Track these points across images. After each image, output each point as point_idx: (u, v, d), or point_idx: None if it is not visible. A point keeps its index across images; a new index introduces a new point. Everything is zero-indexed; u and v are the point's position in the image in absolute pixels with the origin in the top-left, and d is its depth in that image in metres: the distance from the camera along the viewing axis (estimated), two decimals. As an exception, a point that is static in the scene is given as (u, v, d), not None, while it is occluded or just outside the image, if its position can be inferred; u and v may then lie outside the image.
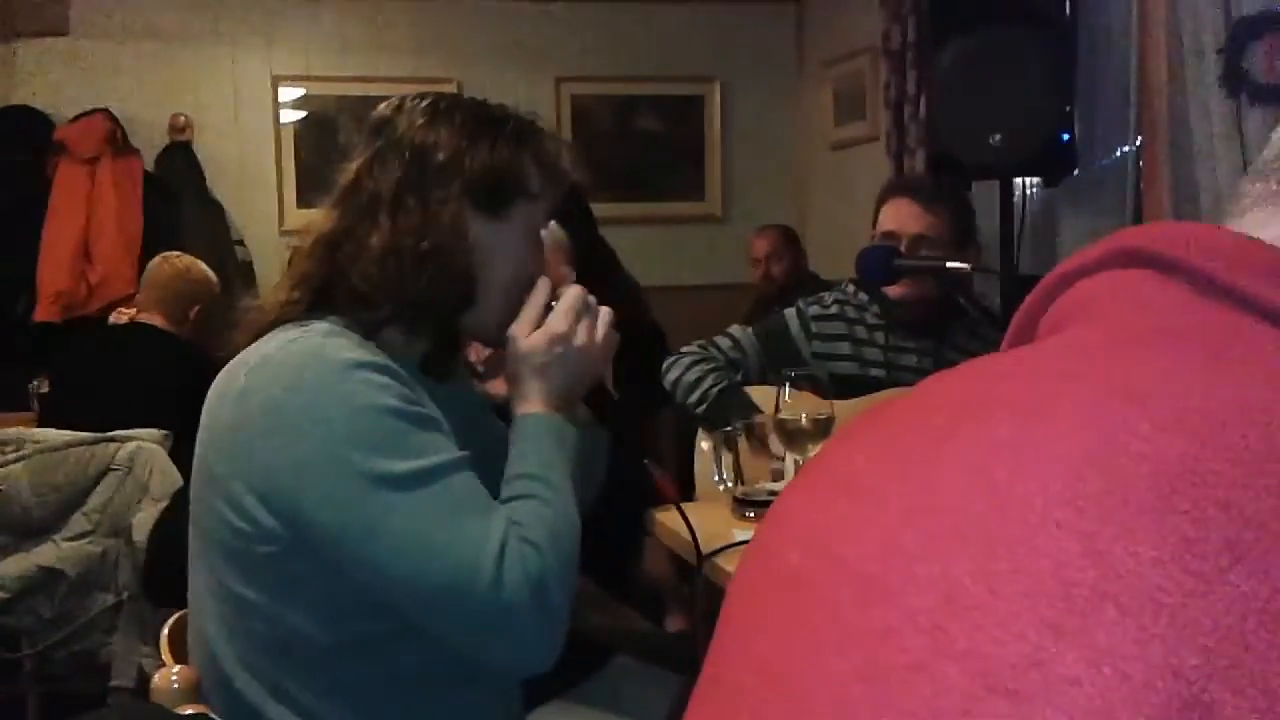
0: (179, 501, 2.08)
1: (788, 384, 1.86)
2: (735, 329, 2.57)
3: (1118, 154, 3.58)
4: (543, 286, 1.36)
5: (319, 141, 5.25)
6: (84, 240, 4.72)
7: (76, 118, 4.83)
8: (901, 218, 2.42)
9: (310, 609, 1.22)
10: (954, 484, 0.38)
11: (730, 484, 2.01)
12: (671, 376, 2.45)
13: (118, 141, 4.83)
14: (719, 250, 5.48)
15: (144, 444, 2.85)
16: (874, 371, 2.47)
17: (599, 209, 2.88)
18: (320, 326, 1.27)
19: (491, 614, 1.17)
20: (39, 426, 3.14)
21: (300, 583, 1.22)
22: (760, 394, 2.31)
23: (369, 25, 5.29)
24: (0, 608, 2.80)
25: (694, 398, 2.38)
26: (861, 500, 0.41)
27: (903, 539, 0.38)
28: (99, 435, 2.85)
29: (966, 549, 0.35)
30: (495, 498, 1.26)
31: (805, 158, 5.68)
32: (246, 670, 1.25)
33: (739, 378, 2.45)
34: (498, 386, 1.55)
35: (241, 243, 5.08)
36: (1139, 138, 3.45)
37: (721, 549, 1.71)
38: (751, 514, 1.92)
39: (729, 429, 2.12)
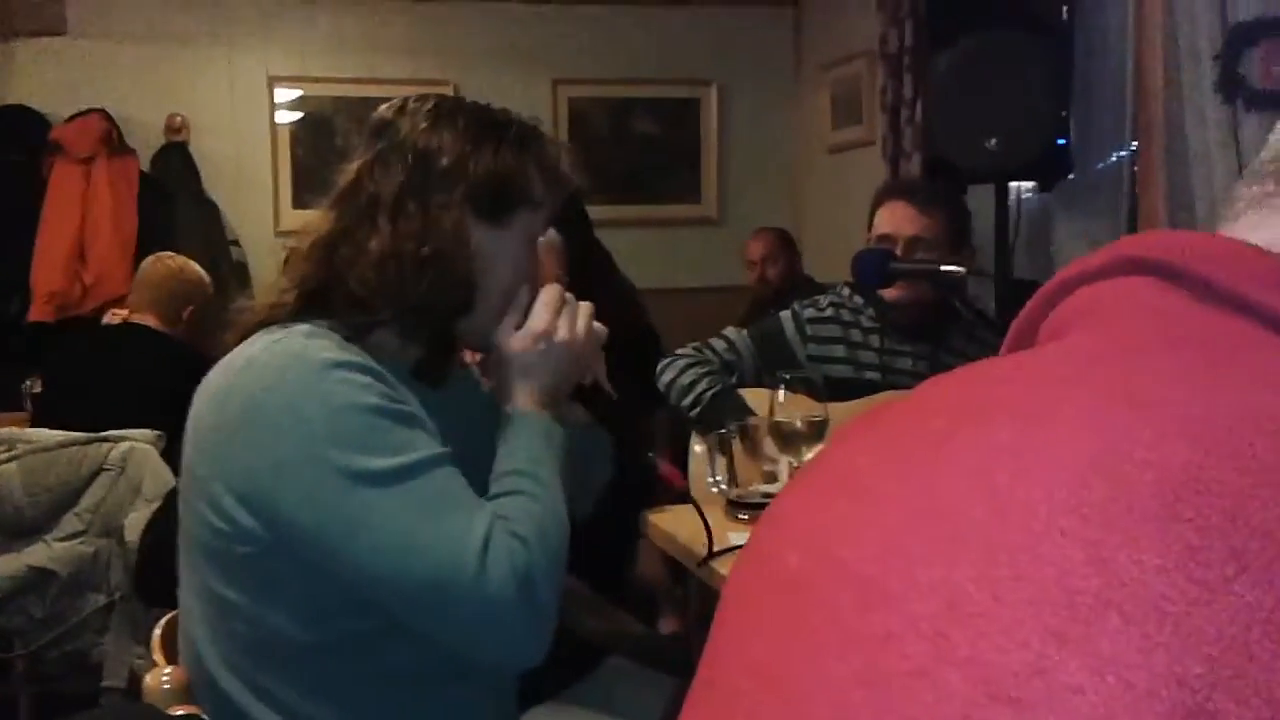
0: (171, 502, 2.07)
1: (782, 386, 1.86)
2: (730, 331, 2.57)
3: (1113, 159, 3.59)
4: (523, 290, 1.36)
5: (315, 142, 5.24)
6: (79, 240, 4.71)
7: (72, 117, 4.82)
8: (897, 220, 2.42)
9: (291, 609, 1.22)
10: (955, 488, 0.38)
11: (724, 486, 2.01)
12: (666, 379, 2.44)
13: (113, 141, 4.83)
14: (715, 253, 5.48)
15: (137, 444, 2.85)
16: (869, 374, 2.47)
17: (595, 211, 2.87)
18: (302, 328, 1.27)
19: (477, 609, 1.17)
20: (31, 426, 3.14)
21: (281, 583, 1.21)
22: (755, 396, 2.30)
23: (365, 26, 5.29)
24: (-9, 608, 2.80)
25: (688, 400, 2.38)
26: (861, 502, 0.41)
27: (903, 543, 0.37)
28: (91, 435, 2.85)
29: (968, 554, 0.35)
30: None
31: (802, 161, 5.68)
32: (230, 670, 1.25)
33: (734, 380, 2.45)
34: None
35: (237, 243, 5.07)
36: (1134, 143, 3.46)
37: (722, 552, 1.71)
38: (745, 516, 1.91)
39: (723, 431, 2.12)
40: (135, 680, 2.60)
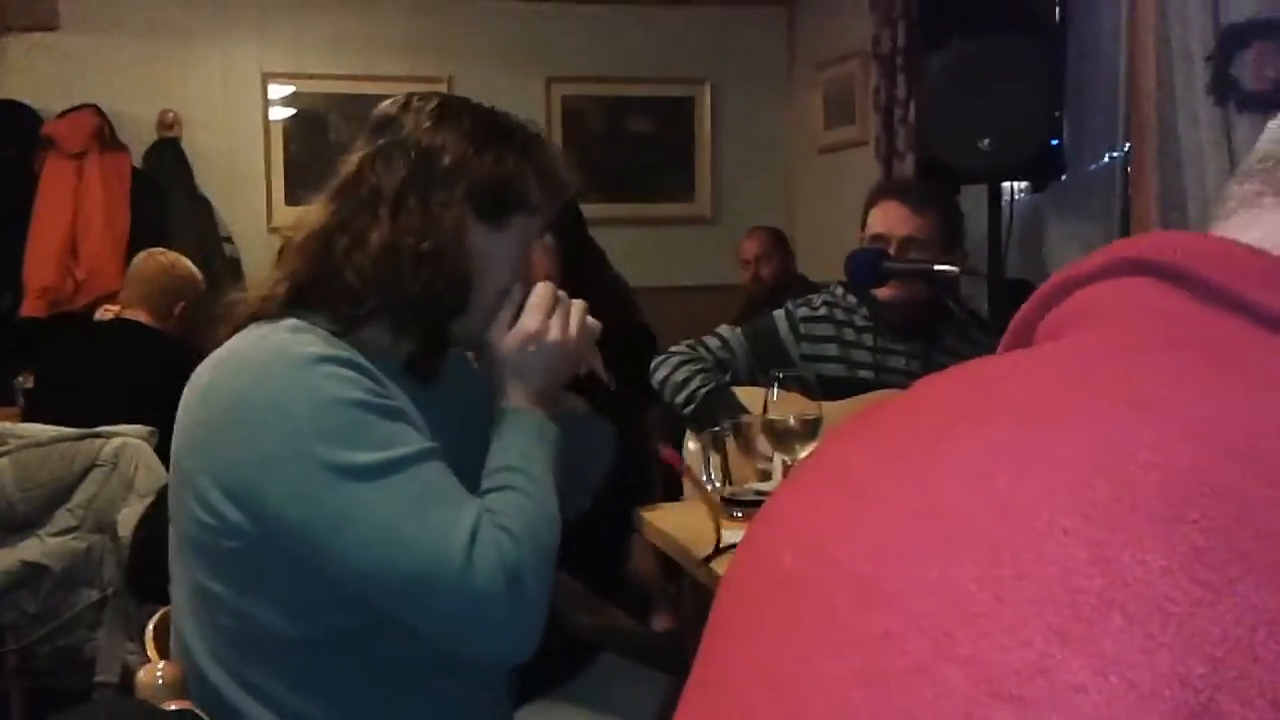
0: (164, 498, 2.07)
1: (776, 385, 1.86)
2: (724, 329, 2.58)
3: (1106, 160, 3.60)
4: (516, 289, 1.36)
5: (308, 139, 5.24)
6: (71, 236, 4.70)
7: (65, 113, 4.81)
8: (891, 220, 2.43)
9: (278, 603, 1.22)
10: (954, 487, 0.38)
11: (718, 484, 2.01)
12: (659, 376, 2.45)
13: (106, 137, 4.81)
14: (709, 251, 5.48)
15: (129, 440, 2.84)
16: (862, 373, 2.47)
17: (589, 210, 2.88)
18: (288, 323, 1.27)
19: (463, 604, 1.16)
20: (23, 422, 3.13)
21: (267, 577, 1.21)
22: (748, 395, 2.31)
23: (360, 23, 5.28)
24: (-16, 603, 2.79)
25: (681, 398, 2.38)
26: (857, 501, 0.41)
27: (901, 542, 0.37)
28: (84, 431, 2.85)
29: (969, 553, 0.35)
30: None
31: (795, 160, 5.69)
32: (218, 664, 1.25)
33: (727, 378, 2.45)
34: None
35: (229, 239, 5.06)
36: (1127, 144, 3.46)
37: (727, 549, 1.71)
38: (739, 514, 1.92)
39: (716, 429, 2.12)
40: (128, 675, 2.59)
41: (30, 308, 4.62)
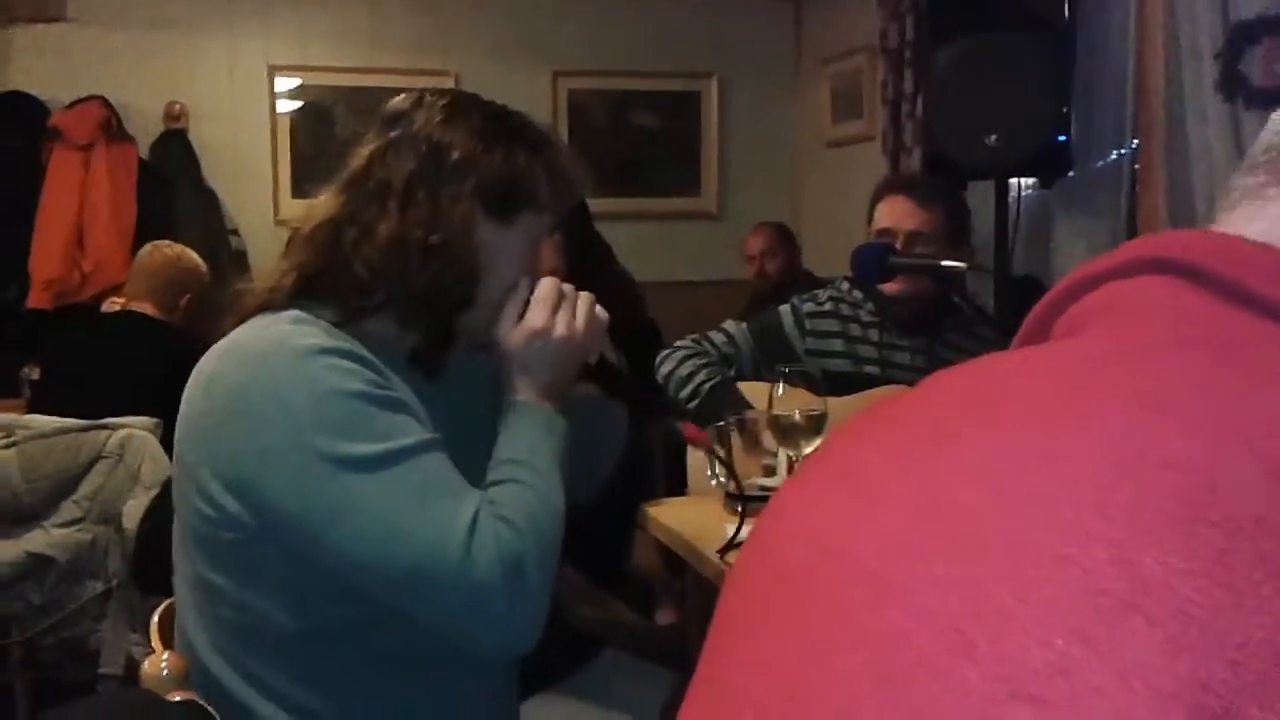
0: (169, 489, 2.07)
1: (781, 380, 1.86)
2: (730, 324, 2.57)
3: (1113, 156, 3.59)
4: (523, 284, 1.36)
5: (315, 132, 5.24)
6: (77, 227, 4.70)
7: (72, 104, 4.81)
8: (897, 215, 2.42)
9: (277, 595, 1.22)
10: (969, 485, 0.37)
11: (723, 479, 2.01)
12: (664, 370, 2.44)
13: (113, 128, 4.81)
14: (714, 246, 5.48)
15: (135, 432, 2.85)
16: (868, 368, 2.47)
17: (594, 204, 2.88)
18: (291, 314, 1.27)
19: (463, 594, 1.16)
20: (29, 413, 3.14)
21: (267, 569, 1.21)
22: (753, 390, 2.31)
23: (366, 16, 5.28)
24: (-11, 594, 2.80)
25: (686, 392, 2.38)
26: (869, 497, 0.40)
27: (916, 539, 0.37)
28: (90, 422, 2.85)
29: (988, 553, 0.35)
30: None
31: (802, 155, 5.68)
32: (220, 656, 1.25)
33: (732, 373, 2.45)
34: None
35: (236, 232, 5.07)
36: (1135, 140, 3.46)
37: (737, 545, 1.71)
38: (741, 510, 1.92)
39: (721, 424, 2.12)
40: (132, 667, 2.60)
41: (36, 299, 4.63)
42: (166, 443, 2.82)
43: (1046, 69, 3.24)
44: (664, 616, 2.73)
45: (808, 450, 1.79)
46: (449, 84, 5.14)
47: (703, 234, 5.62)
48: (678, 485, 2.39)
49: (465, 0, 5.38)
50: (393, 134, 1.33)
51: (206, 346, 1.30)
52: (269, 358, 1.21)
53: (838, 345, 2.49)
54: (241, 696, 1.24)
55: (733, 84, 5.68)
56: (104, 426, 2.85)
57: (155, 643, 1.41)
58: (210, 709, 1.23)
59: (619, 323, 1.46)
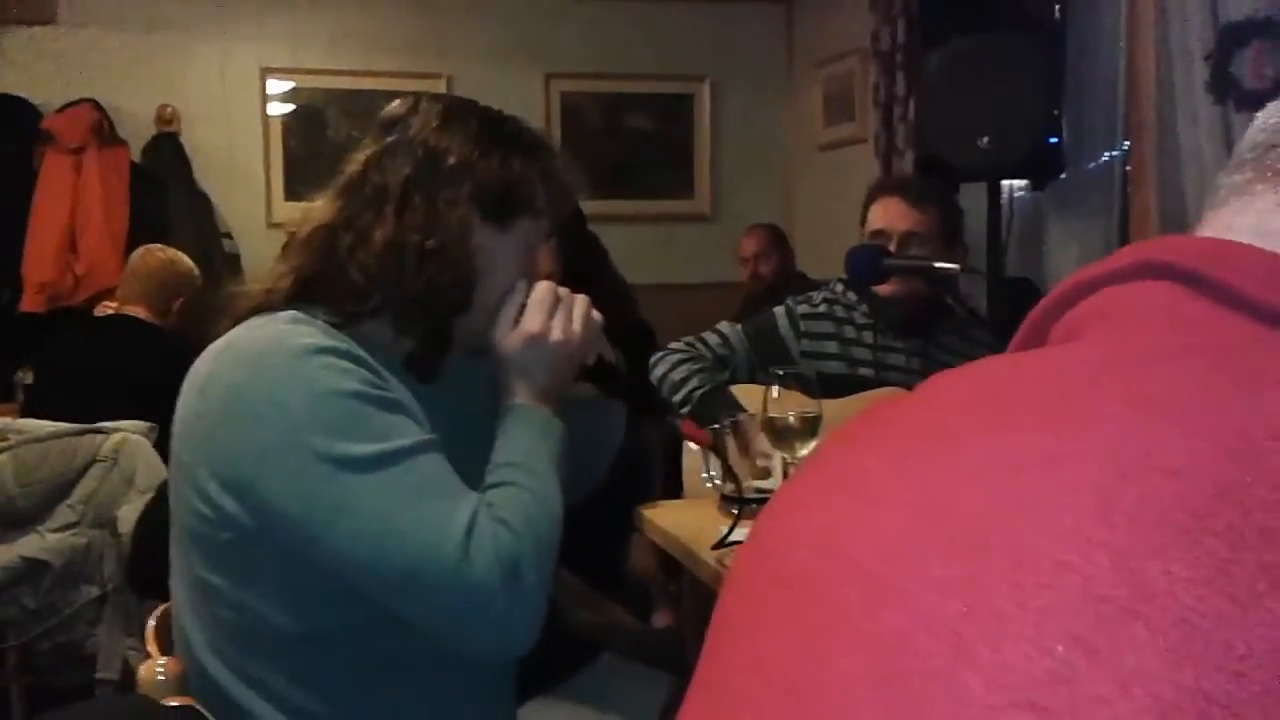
0: (163, 493, 2.07)
1: (776, 382, 1.86)
2: (724, 326, 2.58)
3: (1105, 158, 3.60)
4: (519, 287, 1.36)
5: (307, 134, 5.23)
6: (70, 231, 4.69)
7: (63, 107, 4.80)
8: (891, 216, 2.43)
9: (276, 596, 1.22)
10: (970, 489, 0.37)
11: (718, 481, 2.01)
12: (658, 373, 2.45)
13: (104, 132, 4.80)
14: (708, 249, 5.48)
15: (129, 436, 2.84)
16: (862, 370, 2.47)
17: (588, 206, 2.88)
18: (287, 314, 1.27)
19: (460, 596, 1.16)
20: (23, 417, 3.13)
21: (265, 569, 1.21)
22: (748, 392, 2.31)
23: (359, 19, 5.27)
24: (-16, 598, 2.79)
25: (679, 395, 2.38)
26: (871, 500, 0.40)
27: (916, 541, 0.37)
28: (84, 426, 2.84)
29: (987, 557, 0.35)
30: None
31: (794, 158, 5.69)
32: (218, 657, 1.25)
33: (727, 375, 2.45)
34: None
35: (229, 235, 5.06)
36: (1126, 142, 3.47)
37: (733, 543, 1.71)
38: (738, 511, 1.92)
39: (717, 427, 2.12)
40: (128, 672, 2.60)
41: (29, 303, 4.61)
42: (160, 446, 2.81)
43: (1038, 71, 3.25)
44: (661, 619, 2.73)
45: (803, 452, 1.79)
46: (442, 87, 5.14)
47: (696, 236, 5.62)
48: (673, 488, 2.39)
49: (458, 3, 5.38)
50: (389, 139, 1.33)
51: (200, 349, 1.30)
52: (266, 357, 1.21)
53: (832, 347, 2.49)
54: (239, 698, 1.24)
55: (726, 87, 5.68)
56: (98, 430, 2.84)
57: (151, 647, 1.41)
58: (206, 715, 1.23)
59: (613, 325, 1.47)
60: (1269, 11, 2.87)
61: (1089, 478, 0.35)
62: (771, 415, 1.83)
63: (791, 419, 1.81)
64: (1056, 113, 3.35)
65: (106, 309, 3.44)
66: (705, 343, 2.52)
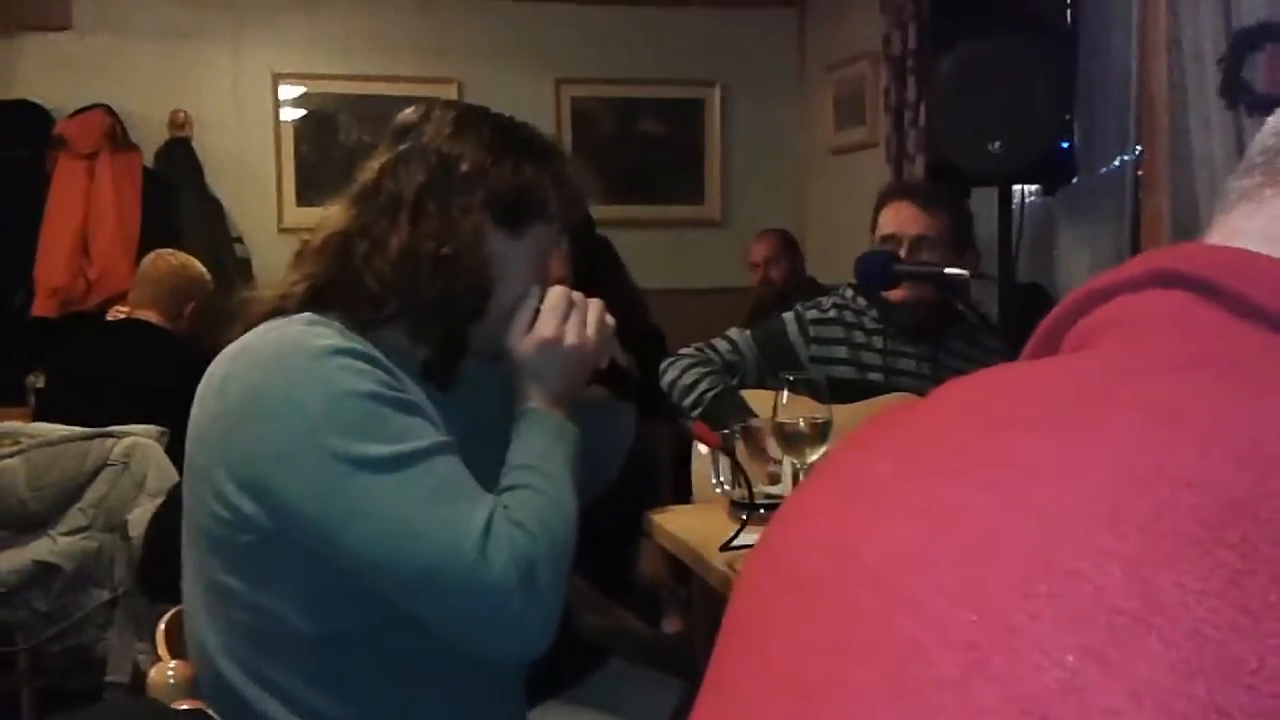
0: (175, 497, 2.07)
1: (785, 388, 1.86)
2: (733, 332, 2.58)
3: (1117, 163, 3.59)
4: (533, 293, 1.37)
5: (319, 139, 5.24)
6: (82, 235, 4.71)
7: (76, 113, 4.82)
8: (901, 220, 2.43)
9: (293, 598, 1.22)
10: (984, 497, 0.37)
11: (728, 487, 2.01)
12: (668, 378, 2.45)
13: (117, 137, 4.83)
14: (718, 254, 5.48)
15: (140, 440, 2.85)
16: (872, 376, 2.47)
17: (598, 211, 2.88)
18: (304, 316, 1.28)
19: (477, 596, 1.16)
20: (35, 421, 3.14)
21: (282, 571, 1.21)
22: (758, 398, 2.31)
23: (370, 24, 5.29)
24: (-5, 602, 2.80)
25: (689, 400, 2.38)
26: (885, 508, 0.40)
27: (928, 548, 0.37)
28: (96, 430, 2.85)
29: (1002, 567, 0.35)
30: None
31: (805, 162, 5.69)
32: (233, 660, 1.25)
33: (736, 381, 2.45)
34: None
35: (240, 240, 5.07)
36: (1138, 147, 3.46)
37: (739, 546, 1.71)
38: (746, 517, 1.91)
39: (726, 432, 2.12)
40: (138, 676, 2.60)
41: (42, 307, 4.63)
42: (171, 451, 2.82)
43: (1049, 75, 3.24)
44: (670, 624, 2.73)
45: (813, 458, 1.79)
46: (452, 92, 5.15)
47: (706, 241, 5.62)
48: (683, 493, 2.39)
49: (469, 8, 5.39)
50: (402, 147, 1.33)
51: (211, 354, 1.30)
52: (283, 359, 1.21)
53: (842, 352, 2.49)
54: (254, 701, 1.24)
55: (736, 91, 5.68)
56: (109, 434, 2.85)
57: (162, 651, 1.41)
58: (216, 718, 1.23)
59: (623, 329, 1.47)
60: (1282, 16, 2.86)
61: (1101, 487, 0.35)
62: (781, 421, 1.82)
63: (801, 424, 1.81)
64: (1068, 117, 3.34)
65: (118, 313, 3.46)
66: (715, 349, 2.52)
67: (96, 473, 2.83)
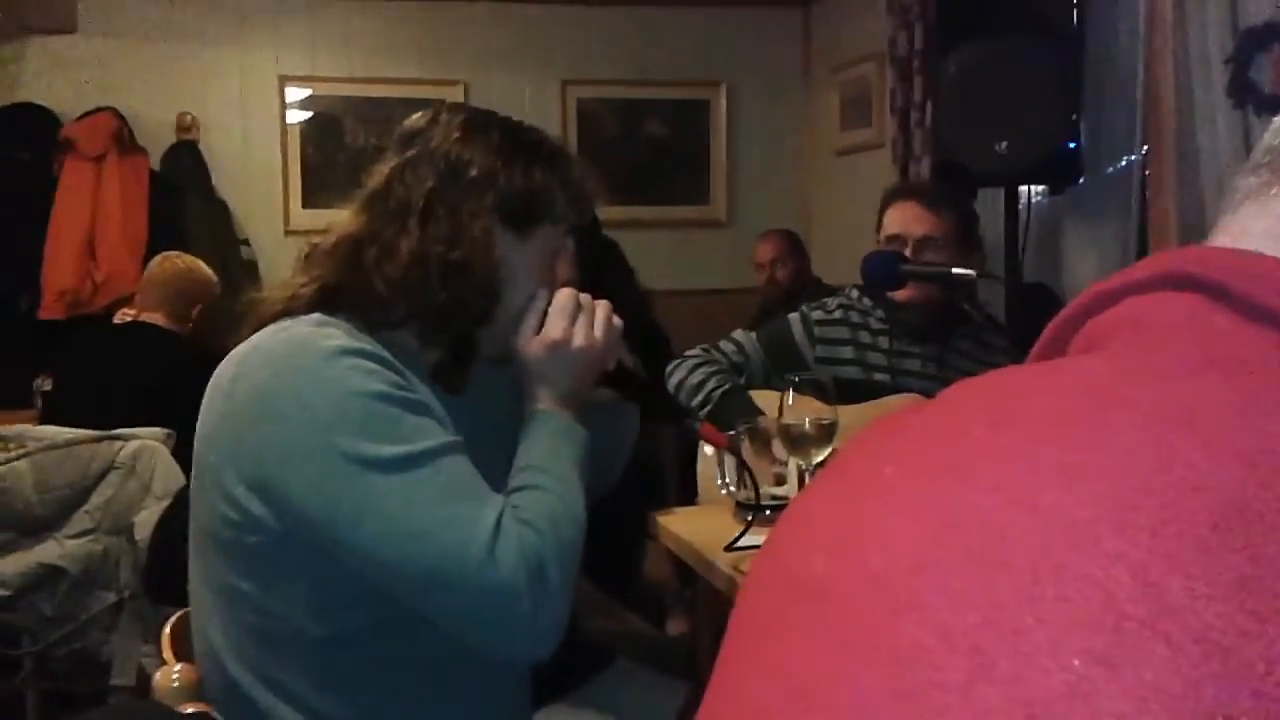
0: (181, 500, 2.08)
1: (791, 388, 1.85)
2: (739, 333, 2.58)
3: (1123, 163, 3.58)
4: (540, 295, 1.37)
5: (325, 142, 5.25)
6: (89, 238, 4.72)
7: (83, 115, 4.84)
8: (907, 220, 2.42)
9: (303, 599, 1.22)
10: (991, 500, 0.37)
11: (733, 488, 2.01)
12: (676, 379, 2.45)
13: (124, 140, 4.84)
14: (724, 255, 5.48)
15: (147, 443, 2.86)
16: (878, 376, 2.47)
17: (604, 212, 2.87)
18: (313, 317, 1.28)
19: (487, 596, 1.16)
20: (42, 424, 3.15)
21: (292, 572, 1.21)
22: (764, 399, 2.30)
23: (376, 26, 5.29)
24: (1, 604, 2.81)
25: (698, 399, 2.38)
26: (891, 510, 0.40)
27: (935, 552, 0.37)
28: (102, 433, 2.86)
29: (1009, 570, 0.34)
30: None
31: (811, 163, 5.68)
32: (241, 662, 1.25)
33: (742, 381, 2.45)
34: None
35: (246, 242, 5.09)
36: (1145, 147, 3.45)
37: (744, 548, 1.70)
38: (752, 518, 1.91)
39: (732, 433, 2.12)
40: (143, 679, 2.61)
41: (49, 310, 4.65)
42: (178, 453, 2.83)
43: (1055, 76, 3.24)
44: (675, 627, 2.73)
45: (818, 459, 1.79)
46: (458, 94, 5.15)
47: (712, 242, 5.62)
48: (688, 494, 2.39)
49: (475, 10, 5.39)
50: (410, 152, 1.34)
51: (218, 357, 1.30)
52: (291, 359, 1.21)
53: (848, 353, 2.49)
54: (263, 702, 1.24)
55: (741, 92, 5.68)
56: (116, 437, 2.86)
57: (167, 654, 1.41)
58: (222, 721, 1.23)
59: (627, 330, 1.47)
60: (1289, 15, 2.86)
61: (1110, 490, 0.35)
62: (787, 422, 1.82)
63: (807, 425, 1.80)
64: (1074, 118, 3.34)
65: (125, 316, 3.46)
66: (720, 350, 2.52)
67: (103, 475, 2.84)
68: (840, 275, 3.96)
